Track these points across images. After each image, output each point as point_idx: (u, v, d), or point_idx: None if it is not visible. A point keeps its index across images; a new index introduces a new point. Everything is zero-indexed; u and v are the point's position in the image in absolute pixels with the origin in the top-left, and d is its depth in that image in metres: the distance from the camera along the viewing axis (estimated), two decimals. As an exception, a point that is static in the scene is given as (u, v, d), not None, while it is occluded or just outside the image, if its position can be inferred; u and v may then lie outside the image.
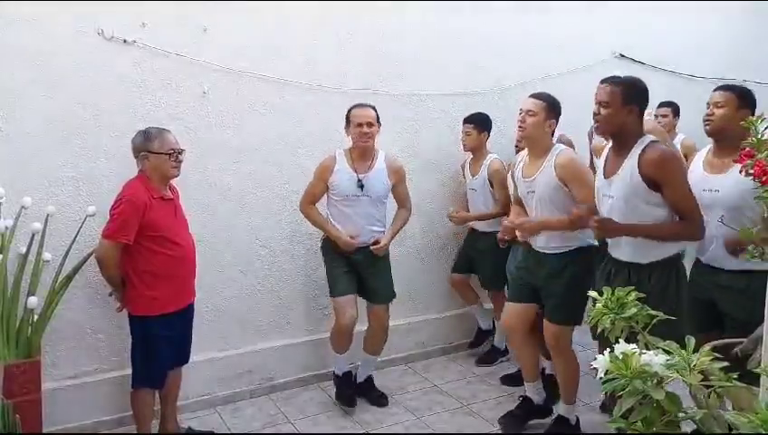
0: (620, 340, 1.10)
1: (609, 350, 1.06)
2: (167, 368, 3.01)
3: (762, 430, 0.90)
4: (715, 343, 1.29)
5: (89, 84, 3.16)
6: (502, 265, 3.91)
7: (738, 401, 1.07)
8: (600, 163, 2.81)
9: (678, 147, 4.38)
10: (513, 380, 3.82)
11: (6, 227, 2.85)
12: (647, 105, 2.66)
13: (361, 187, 3.42)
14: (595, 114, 2.65)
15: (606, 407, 3.46)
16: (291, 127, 3.73)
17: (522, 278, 3.23)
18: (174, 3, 3.30)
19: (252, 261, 3.71)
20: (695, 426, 1.04)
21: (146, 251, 2.84)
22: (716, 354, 1.05)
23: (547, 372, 3.50)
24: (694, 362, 1.01)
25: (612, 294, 1.20)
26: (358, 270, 3.50)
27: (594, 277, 2.86)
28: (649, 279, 2.57)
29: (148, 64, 3.28)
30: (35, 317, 2.92)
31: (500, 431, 3.33)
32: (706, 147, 2.77)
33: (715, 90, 2.73)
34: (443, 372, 4.10)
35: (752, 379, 1.16)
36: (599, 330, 1.21)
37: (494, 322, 4.25)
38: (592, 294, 1.25)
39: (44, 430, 2.94)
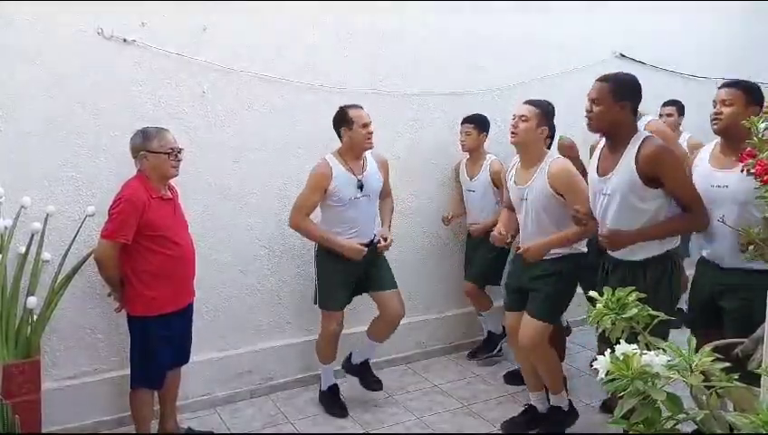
0: (621, 340, 1.10)
1: (609, 350, 1.06)
2: (165, 368, 3.00)
3: (763, 430, 0.90)
4: (717, 343, 1.29)
5: (89, 84, 3.16)
6: (490, 263, 3.96)
7: (739, 402, 1.07)
8: (592, 161, 2.81)
9: (685, 145, 4.38)
10: (515, 378, 3.81)
11: (6, 227, 2.84)
12: (639, 101, 2.65)
13: (361, 187, 3.39)
14: (587, 111, 2.66)
15: (607, 406, 3.46)
16: (291, 127, 3.72)
17: (518, 286, 3.23)
18: (174, 2, 3.30)
19: (251, 261, 3.71)
20: (694, 426, 1.03)
21: (145, 251, 2.84)
22: (717, 355, 1.05)
23: None
24: (695, 363, 1.01)
25: (613, 294, 1.20)
26: (359, 271, 3.45)
27: (579, 282, 2.98)
28: (644, 276, 2.58)
29: (147, 64, 3.28)
30: (35, 317, 2.92)
31: (500, 431, 3.32)
32: (712, 142, 2.75)
33: (720, 87, 2.67)
34: (443, 372, 4.10)
35: (752, 379, 1.16)
36: (599, 330, 1.21)
37: (504, 329, 4.20)
38: (592, 294, 1.25)
39: (44, 430, 2.94)
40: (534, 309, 3.07)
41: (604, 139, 2.75)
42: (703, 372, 1.01)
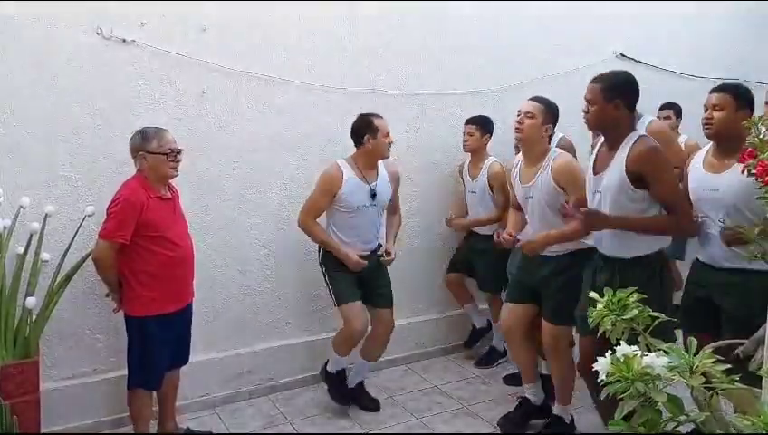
0: (622, 342, 1.10)
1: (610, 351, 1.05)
2: (163, 369, 2.99)
3: (764, 431, 0.90)
4: (717, 343, 1.28)
5: (88, 84, 3.15)
6: (499, 268, 3.91)
7: (740, 404, 1.06)
8: (590, 159, 2.82)
9: (682, 148, 4.36)
10: (515, 379, 3.80)
11: (5, 227, 2.84)
12: (635, 98, 2.65)
13: (373, 196, 3.37)
14: (584, 112, 2.71)
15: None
16: (291, 127, 3.72)
17: (521, 279, 3.23)
18: (174, 2, 3.30)
19: (251, 261, 3.70)
20: (694, 426, 1.03)
21: (144, 251, 2.83)
22: (718, 356, 1.05)
23: (543, 372, 3.49)
24: (695, 365, 1.01)
25: (614, 295, 1.20)
26: (361, 278, 3.44)
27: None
28: (633, 274, 2.57)
29: (147, 64, 3.28)
30: (34, 317, 2.92)
31: (500, 432, 3.32)
32: (706, 146, 2.76)
33: (711, 91, 2.68)
34: (443, 373, 4.10)
35: (753, 380, 1.15)
36: (599, 332, 1.20)
37: (490, 322, 4.24)
38: (592, 294, 1.24)
39: (43, 431, 2.94)
40: (551, 317, 3.08)
41: (602, 137, 2.77)
42: (704, 374, 1.01)
